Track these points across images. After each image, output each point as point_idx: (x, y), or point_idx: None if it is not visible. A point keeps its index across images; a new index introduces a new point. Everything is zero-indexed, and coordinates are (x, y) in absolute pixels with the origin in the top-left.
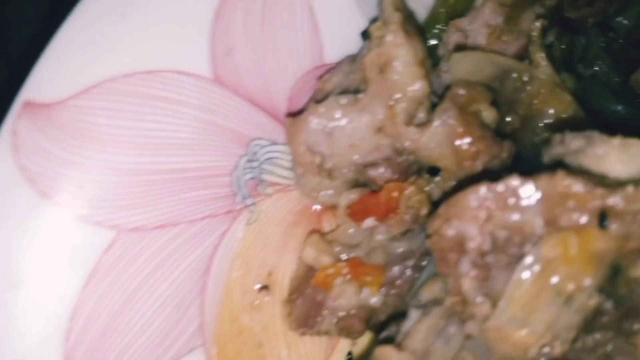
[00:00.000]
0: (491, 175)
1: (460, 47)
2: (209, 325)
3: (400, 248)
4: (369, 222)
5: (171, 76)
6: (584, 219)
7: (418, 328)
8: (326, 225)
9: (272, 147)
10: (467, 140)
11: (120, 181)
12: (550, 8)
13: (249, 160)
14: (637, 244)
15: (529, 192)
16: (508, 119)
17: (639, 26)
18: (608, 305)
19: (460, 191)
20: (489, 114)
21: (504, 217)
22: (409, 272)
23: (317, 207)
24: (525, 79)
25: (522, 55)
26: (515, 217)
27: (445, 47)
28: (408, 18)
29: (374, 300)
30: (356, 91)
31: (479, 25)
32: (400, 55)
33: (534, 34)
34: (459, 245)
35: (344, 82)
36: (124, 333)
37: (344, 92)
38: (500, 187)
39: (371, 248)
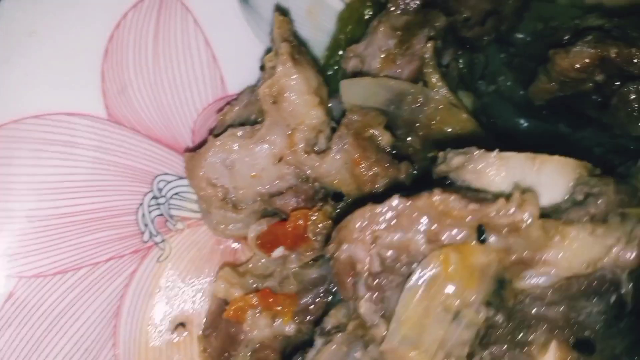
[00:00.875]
0: (377, 197)
1: (357, 73)
2: None
3: (312, 275)
4: (279, 251)
5: (62, 118)
6: (462, 235)
7: (320, 357)
8: (242, 256)
9: (179, 181)
10: (364, 164)
11: (17, 229)
12: (442, 29)
13: (155, 197)
14: (519, 256)
15: (410, 211)
16: (408, 139)
17: (536, 40)
18: (499, 318)
19: (348, 215)
20: (383, 138)
21: (388, 237)
22: (322, 298)
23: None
24: (421, 100)
25: (417, 78)
26: (399, 236)
27: (343, 74)
28: (298, 47)
29: (288, 329)
30: (255, 122)
31: (374, 50)
32: (292, 85)
33: (427, 55)
34: (353, 268)
35: (244, 113)
36: None
37: (243, 123)
38: (382, 208)
39: (284, 277)
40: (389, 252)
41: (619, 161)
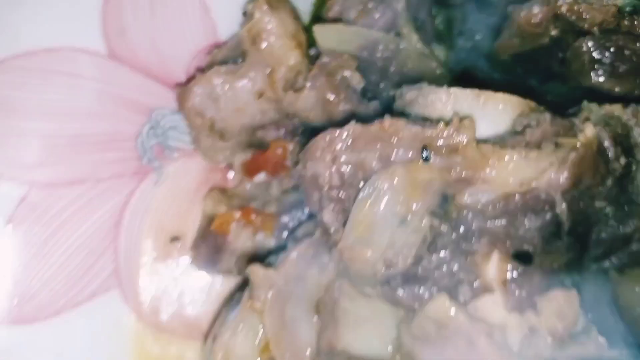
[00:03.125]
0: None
1: (335, 21)
2: (124, 270)
3: (290, 199)
4: (261, 177)
5: (68, 53)
6: (409, 155)
7: (289, 254)
8: (230, 184)
9: (175, 115)
10: (335, 101)
11: (30, 143)
12: None
13: (152, 127)
14: (459, 174)
15: (365, 135)
16: (381, 85)
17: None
18: (444, 228)
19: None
20: (354, 78)
21: (346, 156)
22: (298, 219)
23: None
24: (392, 48)
25: (390, 29)
26: (355, 156)
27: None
28: None
29: (268, 243)
30: (238, 62)
31: (353, 2)
32: (269, 29)
33: (400, 7)
34: (316, 183)
35: (230, 54)
36: (44, 270)
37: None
38: (341, 132)
39: (266, 201)
40: (347, 169)
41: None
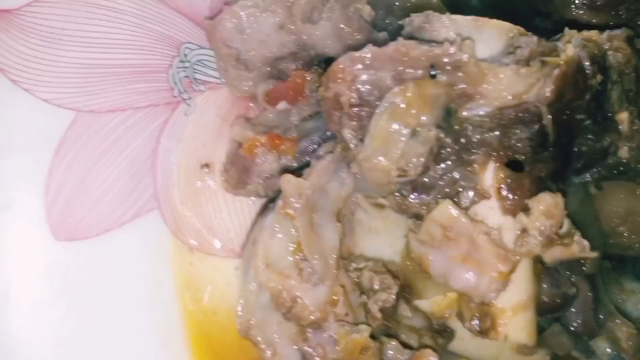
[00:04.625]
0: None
1: None
2: (162, 194)
3: (309, 126)
4: (282, 105)
5: None
6: (419, 73)
7: (315, 167)
8: (252, 114)
9: (201, 50)
10: (348, 31)
11: (74, 72)
12: None
13: (181, 61)
14: (462, 90)
15: (381, 56)
16: (387, 20)
17: None
18: (448, 140)
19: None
20: (364, 10)
21: (364, 76)
22: (317, 143)
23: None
24: None
25: None
26: (372, 75)
27: None
28: None
29: (292, 165)
30: None
31: None
32: None
33: None
34: (338, 103)
35: None
36: (91, 194)
37: None
38: (359, 54)
39: (287, 127)
40: (365, 88)
41: None
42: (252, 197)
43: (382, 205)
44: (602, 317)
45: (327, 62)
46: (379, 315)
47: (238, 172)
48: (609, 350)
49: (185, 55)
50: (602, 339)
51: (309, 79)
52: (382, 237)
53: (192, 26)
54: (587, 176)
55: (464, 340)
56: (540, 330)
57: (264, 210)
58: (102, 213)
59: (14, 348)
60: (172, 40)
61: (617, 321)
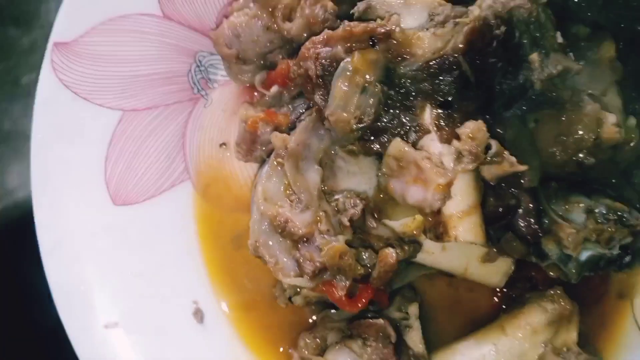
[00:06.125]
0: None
1: None
2: (192, 167)
3: (297, 103)
4: (275, 88)
5: (136, 17)
6: (363, 45)
7: (298, 127)
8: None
9: (212, 56)
10: (318, 24)
11: (117, 82)
12: None
13: (197, 66)
14: (396, 53)
15: (334, 36)
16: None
17: None
18: (392, 92)
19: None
20: (329, 6)
21: (323, 52)
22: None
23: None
24: None
25: None
26: (330, 51)
27: None
28: None
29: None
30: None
31: None
32: None
33: None
34: (308, 77)
35: (245, 3)
36: (138, 171)
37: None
38: (318, 37)
39: (280, 105)
40: (326, 62)
41: None
42: (258, 162)
43: (354, 151)
44: (547, 222)
45: None
46: (347, 223)
47: (247, 144)
48: (557, 251)
49: (200, 61)
50: (551, 242)
51: (292, 65)
52: (358, 178)
53: (203, 38)
54: (517, 111)
55: (434, 254)
56: (497, 240)
57: (262, 164)
58: (147, 184)
59: (79, 286)
60: (188, 50)
61: (560, 225)
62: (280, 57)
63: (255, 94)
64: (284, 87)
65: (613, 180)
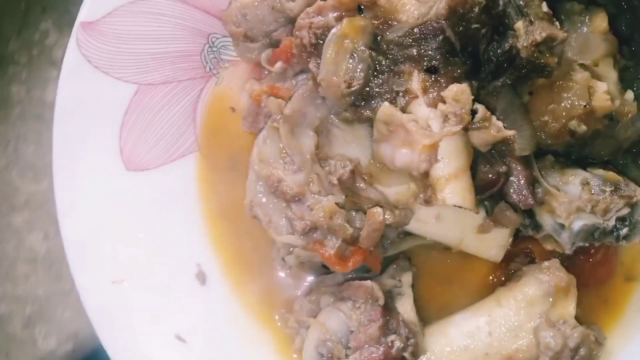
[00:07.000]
0: None
1: None
2: (201, 138)
3: (299, 78)
4: (279, 64)
5: (154, 0)
6: (351, 13)
7: (294, 94)
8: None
9: (223, 38)
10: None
11: (135, 58)
12: None
13: (210, 47)
14: (382, 20)
15: (326, 6)
16: None
17: None
18: (380, 58)
19: None
20: None
21: (316, 20)
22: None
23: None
24: None
25: None
26: (322, 19)
27: None
28: None
29: None
30: None
31: None
32: None
33: None
34: (304, 46)
35: None
36: (150, 140)
37: None
38: (311, 8)
39: (285, 81)
40: (319, 31)
41: None
42: None
43: (348, 119)
44: (540, 192)
45: None
46: (335, 182)
47: (252, 117)
48: (550, 221)
49: (213, 42)
50: (545, 213)
51: (294, 41)
52: (353, 146)
53: (215, 20)
54: (507, 80)
55: (428, 223)
56: (491, 211)
57: (260, 131)
58: (158, 152)
59: (90, 244)
60: (202, 32)
61: (554, 195)
62: (285, 34)
63: (265, 72)
64: (288, 64)
65: (620, 161)
